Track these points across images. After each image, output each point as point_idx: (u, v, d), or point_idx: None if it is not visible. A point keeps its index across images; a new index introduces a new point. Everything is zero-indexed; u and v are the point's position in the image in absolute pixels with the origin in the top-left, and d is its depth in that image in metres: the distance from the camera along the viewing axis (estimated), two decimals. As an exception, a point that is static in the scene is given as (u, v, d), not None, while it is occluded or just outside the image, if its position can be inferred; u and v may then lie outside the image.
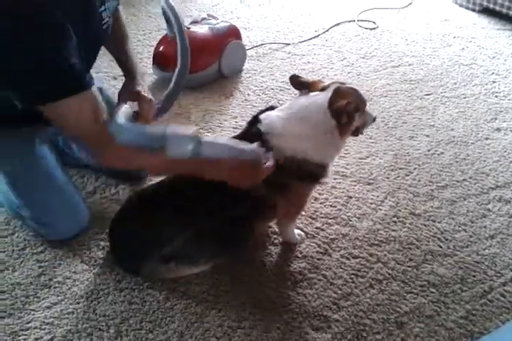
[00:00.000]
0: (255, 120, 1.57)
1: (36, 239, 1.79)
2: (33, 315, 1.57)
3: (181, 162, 1.37)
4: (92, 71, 1.58)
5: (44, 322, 1.55)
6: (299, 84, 1.63)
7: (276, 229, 1.82)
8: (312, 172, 1.58)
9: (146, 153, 1.35)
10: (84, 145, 1.63)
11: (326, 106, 1.51)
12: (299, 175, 1.56)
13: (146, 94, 1.71)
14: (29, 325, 1.54)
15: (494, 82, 2.72)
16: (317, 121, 1.52)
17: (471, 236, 1.85)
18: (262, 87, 2.64)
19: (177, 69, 1.86)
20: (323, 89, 1.56)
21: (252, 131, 1.55)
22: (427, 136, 2.33)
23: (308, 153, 1.52)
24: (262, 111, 1.61)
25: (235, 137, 1.65)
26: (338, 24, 3.23)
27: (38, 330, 1.53)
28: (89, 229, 1.81)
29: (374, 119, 1.69)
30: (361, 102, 1.58)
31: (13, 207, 1.81)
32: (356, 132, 1.65)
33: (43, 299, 1.61)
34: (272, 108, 1.62)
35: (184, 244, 1.56)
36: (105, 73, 2.63)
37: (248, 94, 2.59)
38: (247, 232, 1.65)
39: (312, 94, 1.56)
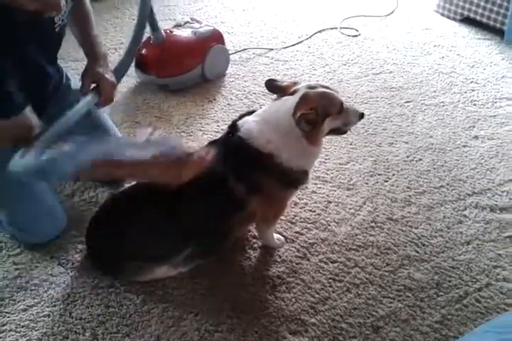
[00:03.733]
0: (234, 127, 1.58)
1: (13, 240, 1.78)
2: (9, 317, 1.56)
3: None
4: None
5: (19, 324, 1.54)
6: (274, 88, 1.63)
7: (256, 233, 1.83)
8: (291, 178, 1.59)
9: None
10: None
11: (290, 113, 1.49)
12: (278, 180, 1.57)
13: (108, 76, 1.73)
14: (4, 328, 1.53)
15: (473, 90, 2.76)
16: (285, 128, 1.51)
17: (447, 242, 1.87)
18: (244, 91, 2.65)
19: (131, 38, 1.90)
20: (293, 93, 1.54)
21: (233, 139, 1.56)
22: (406, 142, 2.36)
23: (285, 159, 1.52)
24: (241, 117, 1.62)
25: (213, 142, 1.65)
26: (321, 31, 3.26)
27: (14, 333, 1.52)
28: (66, 231, 1.80)
29: (362, 116, 1.62)
30: (330, 106, 1.53)
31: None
32: (339, 132, 1.65)
33: (18, 301, 1.60)
34: (251, 112, 1.63)
35: (161, 246, 1.56)
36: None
37: (231, 99, 2.60)
38: (224, 235, 1.65)
39: (284, 98, 1.55)
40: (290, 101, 1.52)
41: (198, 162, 1.40)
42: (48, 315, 1.57)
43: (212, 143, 1.67)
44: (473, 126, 2.48)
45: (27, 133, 1.42)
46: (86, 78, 1.72)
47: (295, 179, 1.60)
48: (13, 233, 1.76)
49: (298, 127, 1.48)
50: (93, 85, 1.73)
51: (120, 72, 1.87)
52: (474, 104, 2.64)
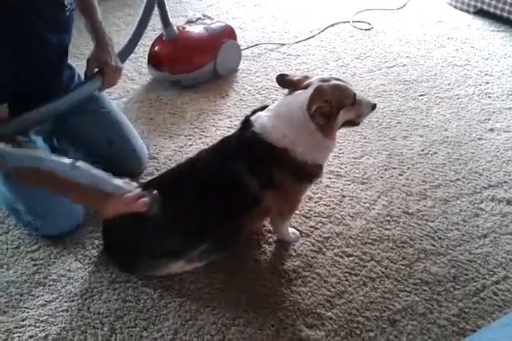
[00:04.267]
0: (247, 123, 1.58)
1: (30, 237, 1.79)
2: (28, 312, 1.57)
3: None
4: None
5: (38, 319, 1.55)
6: (286, 82, 1.62)
7: (271, 228, 1.83)
8: (306, 172, 1.58)
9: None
10: None
11: (304, 107, 1.49)
12: (292, 175, 1.57)
13: (112, 62, 1.81)
14: (23, 323, 1.54)
15: (487, 83, 2.73)
16: (299, 122, 1.50)
17: (463, 235, 1.86)
18: (257, 86, 2.65)
19: (138, 21, 2.05)
20: (306, 87, 1.53)
21: (247, 134, 1.55)
22: (421, 136, 2.35)
23: (300, 153, 1.52)
24: (254, 112, 1.62)
25: (229, 137, 1.66)
26: (333, 25, 3.25)
27: (33, 328, 1.53)
28: (83, 227, 1.82)
29: (374, 107, 1.63)
30: (344, 98, 1.53)
31: (7, 201, 1.80)
32: (353, 123, 1.64)
33: (37, 297, 1.62)
34: (264, 108, 1.62)
35: (176, 241, 1.57)
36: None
37: (243, 94, 2.60)
38: (239, 230, 1.65)
39: (297, 92, 1.54)
40: (303, 95, 1.51)
41: (129, 200, 1.39)
42: (67, 310, 1.58)
43: (225, 139, 1.68)
44: (489, 119, 2.46)
45: None
46: (91, 62, 1.81)
47: (310, 173, 1.59)
48: (32, 224, 1.77)
49: (313, 121, 1.48)
50: (97, 69, 1.82)
51: (125, 54, 1.97)
52: (489, 97, 2.62)
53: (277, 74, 1.65)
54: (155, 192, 1.42)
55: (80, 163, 1.31)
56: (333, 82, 1.54)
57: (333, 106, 1.49)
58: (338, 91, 1.52)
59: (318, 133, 1.51)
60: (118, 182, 1.37)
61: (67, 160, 1.31)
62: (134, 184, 1.43)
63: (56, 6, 1.56)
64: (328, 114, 1.48)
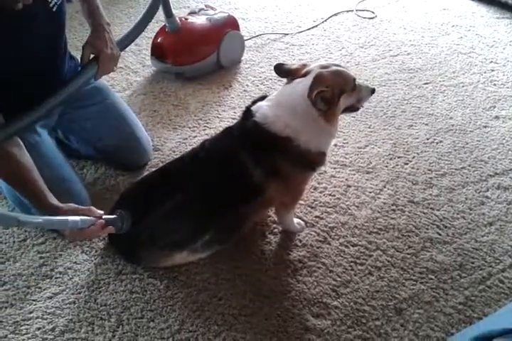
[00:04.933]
0: (248, 113, 1.57)
1: (37, 230, 1.80)
2: (35, 305, 1.58)
3: None
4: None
5: (46, 312, 1.56)
6: (284, 71, 1.61)
7: (276, 218, 1.83)
8: (309, 160, 1.58)
9: None
10: None
11: (306, 94, 1.49)
12: (296, 163, 1.56)
13: (107, 49, 1.75)
14: (31, 315, 1.55)
15: (493, 70, 2.71)
16: (301, 110, 1.50)
17: (469, 224, 1.86)
18: (260, 77, 2.64)
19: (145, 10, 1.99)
20: (305, 75, 1.53)
21: (249, 124, 1.55)
22: (426, 124, 2.33)
23: (303, 141, 1.51)
24: (254, 102, 1.61)
25: (231, 128, 1.65)
26: (336, 14, 3.22)
27: (40, 320, 1.54)
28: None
29: (373, 91, 1.63)
30: (345, 84, 1.53)
31: (14, 195, 1.81)
32: (353, 109, 1.64)
33: (44, 289, 1.63)
34: (263, 97, 1.62)
35: (180, 232, 1.57)
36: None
37: (247, 85, 2.59)
38: (242, 220, 1.65)
39: (296, 81, 1.54)
40: (304, 83, 1.51)
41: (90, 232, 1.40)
42: (74, 302, 1.59)
43: (227, 129, 1.67)
44: (494, 106, 2.45)
45: None
46: (86, 49, 1.76)
47: (313, 161, 1.59)
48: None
49: (314, 107, 1.47)
50: (93, 56, 1.77)
51: (125, 42, 1.91)
52: (494, 84, 2.60)
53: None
54: (121, 211, 1.43)
55: (23, 217, 1.23)
56: (333, 68, 1.54)
57: (335, 91, 1.49)
58: (338, 76, 1.53)
59: (320, 119, 1.50)
60: (74, 218, 1.33)
61: (11, 216, 1.25)
62: (98, 212, 1.41)
63: (40, 3, 1.53)
64: (330, 100, 1.48)
